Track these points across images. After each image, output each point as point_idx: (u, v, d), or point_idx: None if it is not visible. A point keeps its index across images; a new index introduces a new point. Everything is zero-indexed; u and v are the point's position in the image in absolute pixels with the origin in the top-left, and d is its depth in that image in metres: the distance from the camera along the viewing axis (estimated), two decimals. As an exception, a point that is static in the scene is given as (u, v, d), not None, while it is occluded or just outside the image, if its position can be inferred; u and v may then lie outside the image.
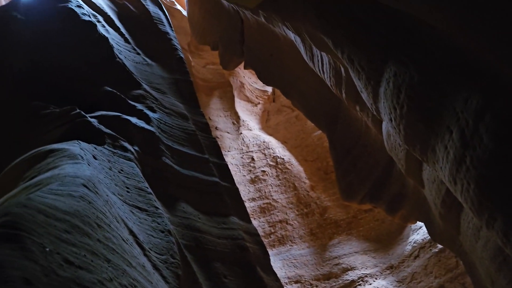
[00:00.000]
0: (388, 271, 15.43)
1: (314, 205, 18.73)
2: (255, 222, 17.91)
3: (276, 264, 16.56)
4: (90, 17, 14.14)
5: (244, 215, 10.38)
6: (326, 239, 17.62)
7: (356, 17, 5.52)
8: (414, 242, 15.17)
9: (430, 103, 4.90)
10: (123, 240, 3.98)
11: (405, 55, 4.92)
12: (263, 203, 19.03)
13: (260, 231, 17.19)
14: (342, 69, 9.10)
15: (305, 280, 16.80)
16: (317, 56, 10.44)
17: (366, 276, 15.67)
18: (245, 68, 19.06)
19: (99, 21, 15.38)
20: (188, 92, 14.91)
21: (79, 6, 14.31)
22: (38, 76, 10.74)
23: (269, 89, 24.58)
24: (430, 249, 14.17)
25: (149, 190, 7.48)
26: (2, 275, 2.10)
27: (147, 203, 6.89)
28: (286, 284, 16.39)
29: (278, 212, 18.71)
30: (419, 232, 15.07)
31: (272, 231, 18.37)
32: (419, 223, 14.27)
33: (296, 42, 11.68)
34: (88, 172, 4.85)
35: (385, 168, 11.09)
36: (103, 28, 14.92)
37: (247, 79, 25.40)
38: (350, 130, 13.01)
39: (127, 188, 6.88)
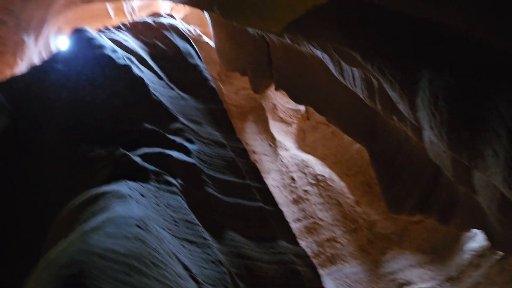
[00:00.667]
0: (448, 284, 14.69)
1: (361, 220, 18.29)
2: (302, 243, 17.70)
3: (329, 284, 16.19)
4: (125, 60, 14.86)
5: (292, 238, 10.33)
6: (378, 255, 17.07)
7: (383, 30, 5.52)
8: (471, 251, 14.41)
9: (471, 107, 4.78)
10: (177, 276, 4.08)
11: (438, 61, 4.85)
12: (309, 223, 18.78)
13: (308, 252, 16.94)
14: (374, 81, 9.03)
15: (361, 299, 16.30)
16: (347, 71, 10.42)
17: (425, 290, 15.01)
18: (276, 89, 19.24)
19: (133, 63, 16.11)
20: (223, 120, 15.20)
21: (114, 51, 15.10)
22: (82, 121, 11.32)
23: (302, 107, 24.59)
24: (491, 257, 13.40)
25: (196, 221, 7.62)
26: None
27: (196, 235, 7.01)
28: (342, 304, 15.95)
29: (325, 230, 18.38)
30: (475, 239, 14.31)
31: (321, 250, 18.03)
32: (475, 230, 13.61)
33: (324, 59, 11.72)
34: (138, 211, 5.03)
35: (432, 176, 10.73)
36: (137, 69, 15.61)
37: (279, 100, 25.55)
38: (390, 140, 12.75)
39: (175, 221, 7.04)
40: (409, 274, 16.03)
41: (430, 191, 11.37)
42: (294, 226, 18.51)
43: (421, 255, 16.53)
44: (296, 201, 19.80)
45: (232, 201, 10.21)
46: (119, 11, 31.14)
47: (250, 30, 18.91)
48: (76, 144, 10.16)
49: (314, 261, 16.65)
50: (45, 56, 22.81)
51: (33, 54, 21.42)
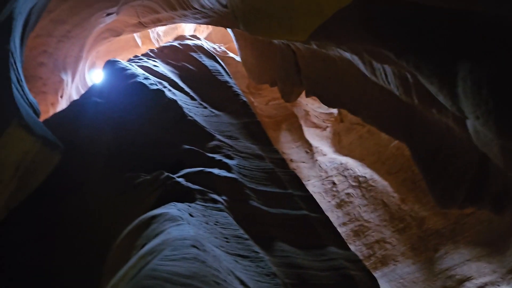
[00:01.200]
0: (510, 276, 14.01)
1: (409, 218, 17.81)
2: (351, 247, 17.43)
3: (384, 286, 15.82)
4: (157, 85, 15.33)
5: (341, 243, 10.17)
6: (431, 252, 16.53)
7: (416, 26, 5.45)
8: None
9: (517, 93, 4.63)
10: (238, 292, 4.15)
11: (478, 50, 4.74)
12: (355, 226, 18.49)
13: (359, 256, 16.66)
14: (409, 76, 8.87)
15: (419, 299, 15.79)
16: (379, 69, 10.29)
17: (486, 285, 14.34)
18: (307, 96, 19.22)
19: (165, 87, 16.57)
20: (259, 133, 15.30)
21: (146, 78, 15.61)
22: (124, 149, 11.73)
23: (335, 110, 24.42)
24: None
25: (246, 236, 7.68)
26: None
27: (247, 249, 7.07)
28: (400, 306, 15.51)
29: (373, 232, 18.02)
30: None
31: (371, 253, 17.67)
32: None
33: (354, 60, 11.64)
34: (191, 231, 5.16)
35: (480, 166, 10.33)
36: (170, 92, 16.05)
37: (311, 106, 25.50)
38: (430, 134, 12.41)
39: (226, 238, 7.14)
40: (467, 269, 15.40)
41: (479, 181, 10.93)
42: (341, 231, 18.27)
43: (477, 248, 15.87)
44: (340, 205, 19.56)
45: (277, 212, 10.21)
46: (146, 38, 32.21)
47: (275, 41, 19.08)
48: (122, 172, 10.52)
49: (365, 264, 16.35)
50: (82, 90, 23.87)
51: (71, 90, 22.48)
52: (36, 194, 7.59)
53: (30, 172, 6.11)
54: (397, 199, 18.42)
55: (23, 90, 7.49)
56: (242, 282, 5.32)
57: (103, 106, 13.89)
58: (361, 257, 17.18)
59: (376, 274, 16.47)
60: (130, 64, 18.01)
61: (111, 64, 17.33)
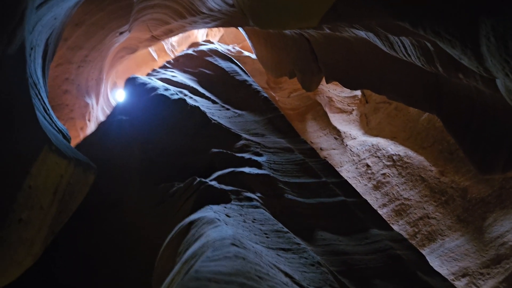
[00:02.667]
0: None
1: (451, 190, 17.28)
2: (395, 227, 17.11)
3: (434, 263, 15.44)
4: (178, 95, 15.51)
5: (383, 224, 9.99)
6: (479, 221, 15.98)
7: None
8: None
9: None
10: (284, 284, 4.12)
11: (497, 3, 4.52)
12: (396, 206, 18.11)
13: (404, 235, 16.32)
14: (429, 44, 8.59)
15: (473, 271, 15.28)
16: (397, 43, 10.02)
17: (542, 247, 13.76)
18: (327, 82, 18.97)
19: (186, 95, 16.76)
20: (284, 126, 15.24)
21: (166, 89, 15.82)
22: (155, 161, 11.93)
23: (358, 92, 24.03)
24: None
25: (285, 229, 7.65)
26: None
27: (289, 242, 7.04)
28: (454, 280, 15.08)
29: (415, 209, 17.60)
30: None
31: (416, 230, 17.27)
32: None
33: (369, 38, 11.38)
34: (230, 231, 5.18)
35: (518, 125, 9.92)
36: (191, 100, 16.21)
37: (333, 91, 25.19)
38: (461, 100, 12.01)
39: (265, 234, 7.14)
40: (519, 234, 14.82)
41: (520, 142, 10.50)
42: (382, 212, 17.97)
43: (527, 212, 15.25)
44: (377, 187, 19.23)
45: (314, 202, 10.14)
46: (161, 51, 32.67)
47: (287, 32, 18.93)
48: (156, 183, 10.71)
49: (412, 242, 16.00)
50: (108, 111, 24.47)
51: (97, 112, 23.09)
52: (75, 215, 7.82)
53: (68, 194, 6.29)
54: (435, 172, 17.92)
55: (51, 119, 7.74)
56: (286, 274, 5.30)
57: (129, 123, 14.18)
58: (406, 236, 16.85)
59: (424, 251, 16.11)
60: (149, 78, 18.31)
61: (131, 81, 17.67)
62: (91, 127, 20.86)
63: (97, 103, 22.31)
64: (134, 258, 8.79)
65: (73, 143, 19.10)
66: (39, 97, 7.98)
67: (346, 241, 8.95)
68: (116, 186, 11.24)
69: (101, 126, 15.28)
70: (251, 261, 4.06)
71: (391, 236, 9.54)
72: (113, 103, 26.33)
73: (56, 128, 7.76)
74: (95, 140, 14.36)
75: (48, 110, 8.52)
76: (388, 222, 17.73)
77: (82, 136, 19.93)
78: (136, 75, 18.32)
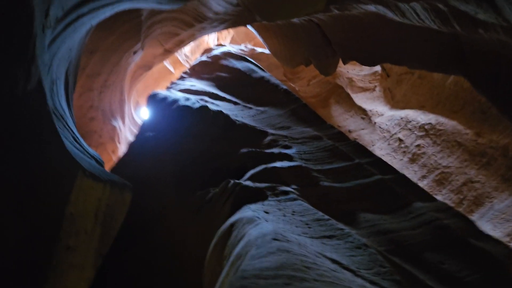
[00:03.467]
0: None
1: (490, 150, 16.66)
2: (438, 197, 16.68)
3: (486, 227, 14.94)
4: (199, 102, 15.69)
5: (425, 196, 9.77)
6: (526, 177, 15.36)
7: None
8: None
9: None
10: (332, 270, 4.11)
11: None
12: (436, 176, 17.64)
13: (447, 203, 15.91)
14: (441, 5, 8.34)
15: (528, 229, 14.72)
16: (408, 10, 9.78)
17: None
18: (344, 63, 18.72)
19: (207, 101, 16.93)
20: (308, 115, 15.15)
21: (187, 99, 16.03)
22: (188, 171, 12.12)
23: (377, 68, 23.55)
24: None
25: (326, 217, 7.61)
26: None
27: (331, 229, 7.01)
28: (510, 242, 14.55)
29: (456, 176, 17.08)
30: None
31: (461, 197, 16.76)
32: None
33: (379, 10, 11.16)
34: (270, 227, 5.21)
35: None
36: (213, 105, 16.36)
37: (352, 71, 24.80)
38: (485, 55, 11.57)
39: (307, 224, 7.13)
40: None
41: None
42: (422, 185, 17.57)
43: None
44: (413, 160, 18.80)
45: (351, 185, 10.04)
46: (176, 63, 33.08)
47: (296, 20, 18.78)
48: (192, 192, 10.88)
49: (459, 210, 15.55)
50: (135, 130, 25.04)
51: (125, 133, 23.66)
52: (121, 235, 8.07)
53: (109, 216, 6.52)
54: (471, 135, 17.34)
55: (82, 147, 8.02)
56: (334, 261, 5.28)
57: (156, 138, 14.46)
58: (452, 204, 16.39)
59: (474, 217, 15.63)
60: (169, 91, 18.60)
61: (152, 97, 18.00)
62: (122, 149, 21.40)
63: (123, 124, 22.85)
64: (181, 271, 8.97)
65: (107, 166, 19.66)
66: (67, 127, 8.27)
67: (390, 219, 8.80)
68: (155, 201, 11.50)
69: (131, 146, 15.64)
70: (296, 252, 4.07)
71: (435, 206, 9.32)
72: (139, 122, 26.91)
73: (88, 155, 8.03)
74: (128, 160, 14.73)
75: (78, 139, 8.82)
76: (431, 192, 17.33)
77: (114, 158, 20.49)
78: (156, 91, 18.65)
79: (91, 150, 9.45)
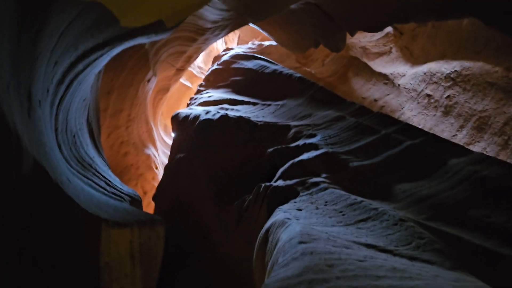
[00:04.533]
0: None
1: (525, 81, 15.87)
2: (480, 145, 16.09)
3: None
4: (219, 112, 15.93)
5: (459, 150, 9.46)
6: None
7: None
8: None
9: None
10: (361, 260, 4.15)
11: None
12: (474, 123, 16.95)
13: (493, 149, 15.34)
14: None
15: None
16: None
17: None
18: (352, 35, 18.40)
19: (227, 109, 17.17)
20: (326, 96, 15.03)
21: (207, 112, 16.32)
22: (221, 184, 12.38)
23: (389, 29, 22.90)
24: None
25: (359, 199, 7.58)
26: None
27: (365, 211, 6.99)
28: None
29: (495, 118, 16.34)
30: None
31: (505, 138, 16.00)
32: None
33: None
34: (298, 227, 5.29)
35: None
36: (232, 111, 16.58)
37: (363, 40, 24.23)
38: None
39: (340, 212, 7.15)
40: None
41: None
42: (461, 135, 17.00)
43: None
44: (447, 112, 18.19)
45: (381, 158, 9.91)
46: (192, 77, 33.63)
47: (294, 6, 18.64)
48: (230, 204, 11.11)
49: (503, 153, 14.93)
50: (168, 152, 25.76)
51: (161, 157, 24.40)
52: (174, 262, 8.41)
53: (146, 253, 6.84)
54: (500, 71, 16.55)
55: (115, 188, 8.44)
56: (369, 245, 5.30)
57: (187, 158, 14.85)
58: (496, 150, 15.73)
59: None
60: (189, 109, 19.00)
61: (174, 118, 18.48)
62: (160, 173, 22.08)
63: (156, 150, 23.57)
64: (232, 285, 9.22)
65: (151, 194, 20.38)
66: (97, 174, 8.72)
67: (427, 184, 8.62)
68: (198, 220, 11.86)
69: (166, 170, 16.16)
70: (320, 251, 4.14)
71: (472, 159, 9.01)
72: (170, 144, 27.65)
73: (121, 194, 8.43)
74: (166, 184, 15.26)
75: (111, 182, 9.28)
76: (473, 142, 16.72)
77: (155, 184, 21.18)
78: (178, 111, 19.11)
79: (125, 189, 9.90)
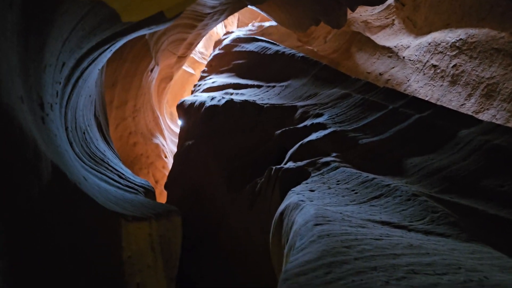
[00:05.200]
0: None
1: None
2: (490, 112, 15.95)
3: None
4: (224, 97, 15.89)
5: (469, 121, 9.38)
6: None
7: None
8: None
9: None
10: (377, 239, 4.19)
11: None
12: (482, 91, 16.74)
13: (503, 115, 15.20)
14: None
15: None
16: None
17: None
18: (352, 11, 18.11)
19: (231, 94, 17.13)
20: (330, 74, 14.91)
21: (212, 98, 16.30)
22: (232, 168, 12.44)
23: (390, 1, 22.49)
24: None
25: (371, 176, 7.60)
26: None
27: (378, 188, 7.01)
28: None
29: (504, 84, 16.09)
30: None
31: (516, 104, 15.85)
32: None
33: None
34: (312, 210, 5.33)
35: None
36: (237, 95, 16.54)
37: (364, 14, 23.85)
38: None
39: (353, 190, 7.18)
40: None
41: None
42: (469, 104, 16.85)
43: None
44: (454, 82, 17.97)
45: (390, 133, 9.88)
46: (194, 63, 33.45)
47: (291, -16, 18.36)
48: (242, 188, 11.20)
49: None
50: (176, 140, 25.88)
51: (169, 146, 24.52)
52: (192, 251, 8.54)
53: (165, 244, 6.96)
54: (507, 37, 16.26)
55: (128, 180, 8.55)
56: (383, 223, 5.35)
57: (197, 145, 14.91)
58: (507, 115, 15.57)
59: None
60: (194, 96, 18.97)
61: (180, 106, 18.48)
62: (170, 162, 22.25)
63: (164, 139, 23.68)
64: (252, 265, 9.34)
65: (162, 182, 20.58)
66: (110, 168, 8.82)
67: (438, 157, 8.60)
68: (212, 206, 11.97)
69: (176, 158, 16.26)
70: (336, 233, 4.19)
71: (482, 129, 8.94)
72: (178, 132, 27.75)
73: (135, 186, 8.53)
74: (177, 173, 15.37)
75: (124, 174, 9.38)
76: (482, 109, 16.57)
77: (166, 172, 21.37)
78: (183, 99, 19.09)
79: (138, 180, 10.01)
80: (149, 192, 9.73)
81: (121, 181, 8.40)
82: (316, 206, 5.74)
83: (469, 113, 16.40)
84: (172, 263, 7.15)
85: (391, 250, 3.74)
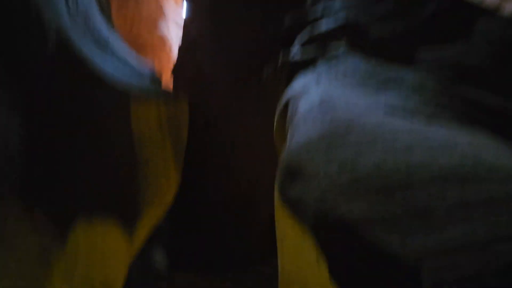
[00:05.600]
0: None
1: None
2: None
3: None
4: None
5: (488, 11, 8.74)
6: None
7: None
8: None
9: None
10: (377, 125, 4.20)
11: None
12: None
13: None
14: None
15: None
16: None
17: None
18: None
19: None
20: None
21: None
22: (235, 56, 11.93)
23: None
24: None
25: (380, 67, 7.36)
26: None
27: (385, 78, 6.84)
28: None
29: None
30: None
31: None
32: None
33: None
34: (317, 95, 5.28)
35: None
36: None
37: None
38: None
39: (360, 80, 7.02)
40: None
41: None
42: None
43: None
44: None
45: (403, 24, 9.31)
46: None
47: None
48: (248, 79, 10.97)
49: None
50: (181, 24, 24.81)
51: (173, 37, 23.64)
52: (191, 138, 8.65)
53: (174, 128, 7.10)
54: None
55: (133, 68, 8.36)
56: (388, 111, 5.31)
57: (201, 36, 14.27)
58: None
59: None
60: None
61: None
62: (174, 54, 21.68)
63: (169, 30, 22.81)
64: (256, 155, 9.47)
65: (166, 75, 20.35)
66: (115, 54, 8.57)
67: (451, 47, 8.15)
68: (219, 96, 11.85)
69: (180, 50, 15.62)
70: (338, 118, 4.18)
71: (501, 21, 8.32)
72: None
73: (139, 75, 8.43)
74: (182, 63, 15.01)
75: (128, 61, 9.16)
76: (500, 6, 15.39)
77: (171, 65, 20.96)
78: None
79: (144, 69, 9.83)
80: (155, 81, 9.64)
81: (128, 68, 8.27)
82: (321, 92, 5.68)
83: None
84: (180, 148, 7.40)
85: (391, 135, 3.75)
